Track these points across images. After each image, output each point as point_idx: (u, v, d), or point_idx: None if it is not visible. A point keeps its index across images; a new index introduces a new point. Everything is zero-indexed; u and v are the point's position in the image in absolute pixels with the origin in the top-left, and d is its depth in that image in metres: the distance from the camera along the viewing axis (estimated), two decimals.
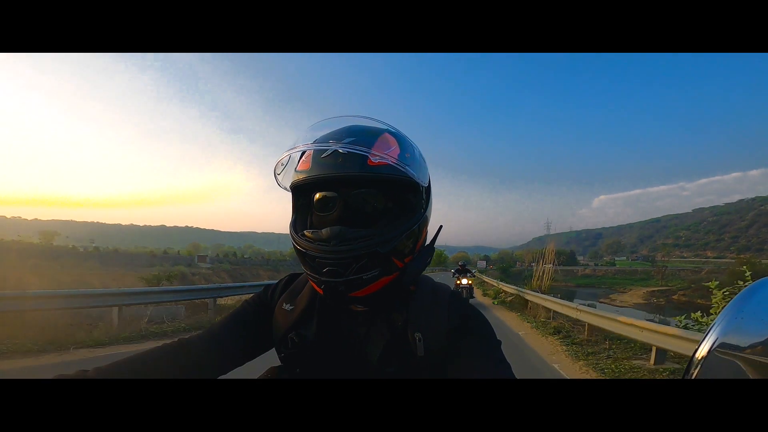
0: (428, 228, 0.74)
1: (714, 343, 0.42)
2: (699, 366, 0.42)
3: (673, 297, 41.08)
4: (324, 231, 0.66)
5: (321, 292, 0.68)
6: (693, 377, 0.42)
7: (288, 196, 0.75)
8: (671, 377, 4.41)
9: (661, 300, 38.74)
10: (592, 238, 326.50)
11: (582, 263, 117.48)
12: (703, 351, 0.42)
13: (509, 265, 49.23)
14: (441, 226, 0.79)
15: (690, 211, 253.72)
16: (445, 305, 0.72)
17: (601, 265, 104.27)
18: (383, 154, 0.65)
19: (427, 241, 0.76)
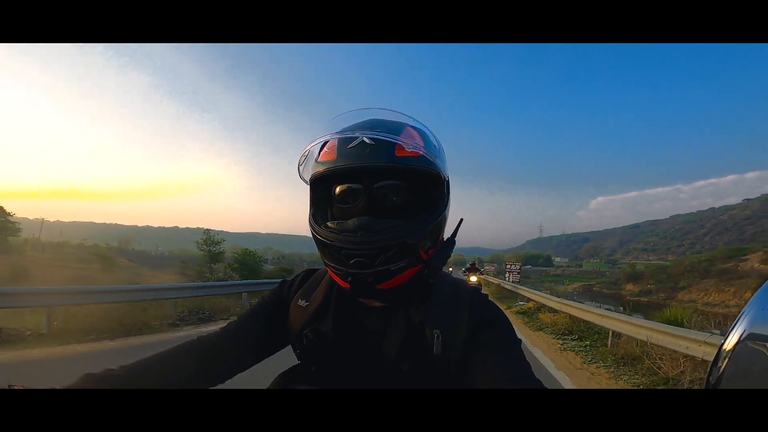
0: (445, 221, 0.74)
1: (742, 334, 0.41)
2: (727, 357, 0.42)
3: (594, 288, 61.30)
4: (350, 222, 0.65)
5: (345, 285, 0.67)
6: (722, 369, 0.42)
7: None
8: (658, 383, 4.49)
9: (579, 289, 59.18)
10: (580, 241, 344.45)
11: (557, 264, 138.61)
12: (731, 343, 0.42)
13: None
14: (461, 219, 0.78)
15: (667, 217, 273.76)
16: (466, 303, 0.70)
17: (571, 266, 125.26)
18: (413, 143, 0.65)
19: (446, 234, 0.76)
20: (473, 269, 13.02)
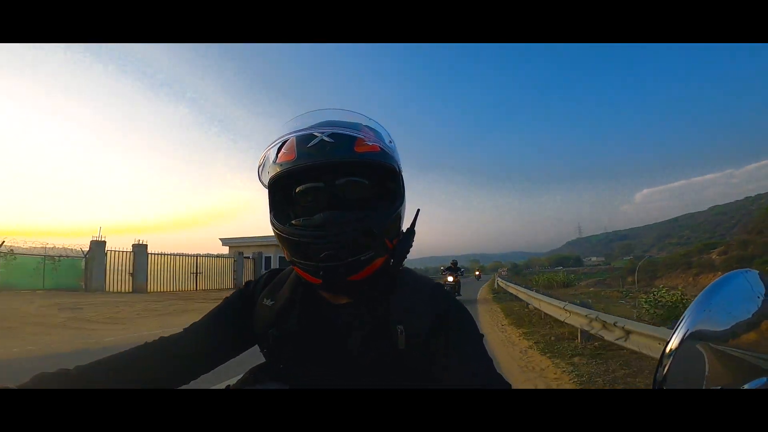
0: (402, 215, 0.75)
1: (685, 334, 0.44)
2: (672, 357, 0.44)
3: (605, 282, 77.19)
4: (317, 217, 0.66)
5: (316, 281, 0.67)
6: (666, 369, 0.44)
7: None
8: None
9: (593, 284, 75.62)
10: (619, 239, 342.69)
11: (589, 264, 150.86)
12: (674, 343, 0.44)
13: (520, 270, 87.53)
14: (418, 210, 0.80)
15: (705, 209, 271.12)
16: (427, 298, 0.71)
17: (601, 265, 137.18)
18: (372, 138, 0.68)
19: (406, 225, 0.77)
20: (453, 270, 12.84)
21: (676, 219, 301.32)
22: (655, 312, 8.59)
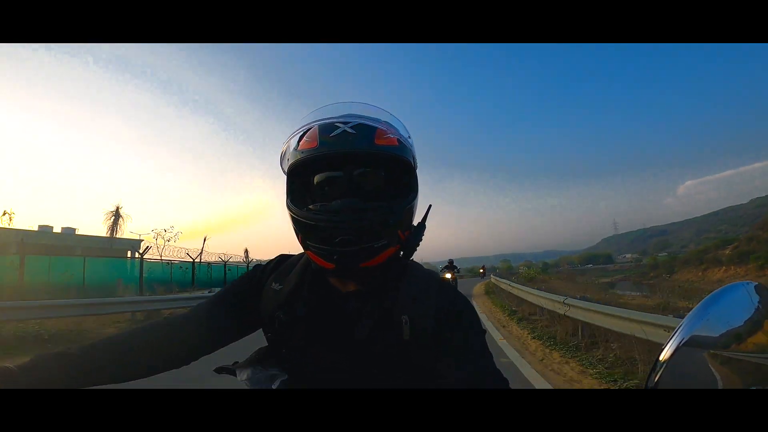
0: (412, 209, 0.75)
1: (682, 341, 0.44)
2: (665, 365, 0.44)
3: (628, 279, 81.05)
4: (335, 203, 0.67)
5: (329, 265, 0.68)
6: (659, 375, 0.44)
7: None
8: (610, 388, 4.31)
9: (616, 280, 79.82)
10: (658, 234, 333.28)
11: (620, 262, 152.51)
12: (668, 351, 0.44)
13: (548, 268, 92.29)
14: (430, 205, 0.81)
15: (747, 201, 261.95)
16: (434, 291, 0.72)
17: (632, 263, 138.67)
18: (392, 132, 0.70)
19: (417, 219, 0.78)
20: (450, 267, 13.58)
21: (716, 213, 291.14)
22: (524, 278, 20.82)
